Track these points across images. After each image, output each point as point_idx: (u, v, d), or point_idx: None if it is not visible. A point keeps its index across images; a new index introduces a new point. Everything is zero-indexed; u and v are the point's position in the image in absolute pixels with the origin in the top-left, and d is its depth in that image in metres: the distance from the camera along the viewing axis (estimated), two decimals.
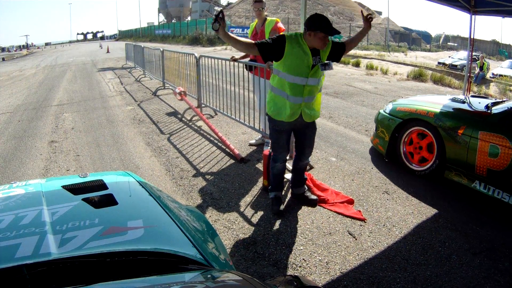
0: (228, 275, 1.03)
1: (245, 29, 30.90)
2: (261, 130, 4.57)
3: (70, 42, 78.81)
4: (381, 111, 4.36)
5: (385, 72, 13.54)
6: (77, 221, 1.25)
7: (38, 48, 65.13)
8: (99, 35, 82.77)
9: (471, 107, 3.65)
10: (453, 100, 4.00)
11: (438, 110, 3.57)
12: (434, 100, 3.99)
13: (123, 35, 65.78)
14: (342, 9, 41.60)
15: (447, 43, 40.86)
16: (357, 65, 15.56)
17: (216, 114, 6.47)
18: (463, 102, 3.86)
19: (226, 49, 25.20)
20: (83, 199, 1.43)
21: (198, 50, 21.92)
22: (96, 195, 1.49)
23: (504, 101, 3.83)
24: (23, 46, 70.77)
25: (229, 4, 54.90)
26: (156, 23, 65.46)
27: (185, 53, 7.41)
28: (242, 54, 4.33)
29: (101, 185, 1.60)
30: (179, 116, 6.59)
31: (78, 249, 1.08)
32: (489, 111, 3.40)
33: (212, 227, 1.62)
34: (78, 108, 7.87)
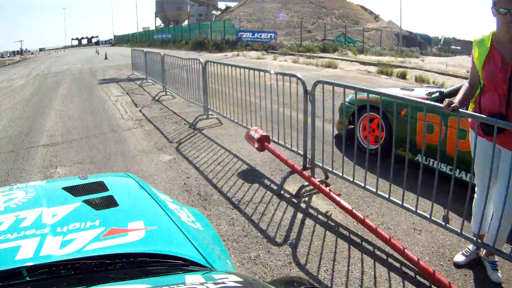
0: (229, 276, 1.00)
1: (257, 33, 28.31)
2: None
3: (65, 47, 76.89)
4: (343, 101, 4.75)
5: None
6: (77, 223, 1.24)
7: (32, 54, 62.15)
8: (93, 40, 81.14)
9: (414, 94, 4.46)
10: (402, 89, 5.13)
11: (386, 98, 3.78)
12: (387, 91, 4.35)
13: (119, 40, 63.79)
14: (347, 13, 39.37)
15: (449, 46, 37.14)
16: (403, 76, 12.29)
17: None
18: (412, 90, 4.84)
19: (238, 55, 22.40)
20: (84, 201, 1.43)
21: (209, 57, 19.44)
22: (97, 196, 1.48)
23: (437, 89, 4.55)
24: (17, 52, 68.93)
25: (227, 8, 53.55)
26: (152, 28, 63.67)
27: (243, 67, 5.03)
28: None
29: (101, 187, 1.59)
30: (272, 178, 3.96)
31: (79, 251, 1.08)
32: (428, 96, 4.16)
33: (213, 228, 1.63)
34: (79, 154, 5.03)
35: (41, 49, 77.87)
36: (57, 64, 25.47)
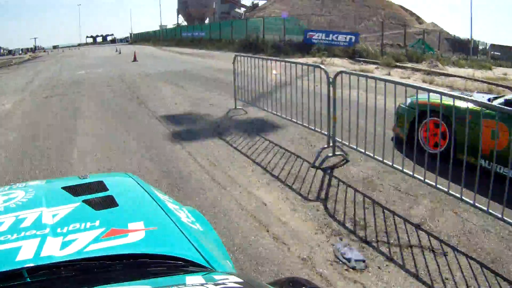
0: (229, 277, 1.00)
1: (332, 34, 20.72)
2: None
3: (79, 45, 74.16)
4: (401, 104, 5.03)
5: None
6: (78, 223, 1.24)
7: (45, 51, 58.99)
8: (108, 38, 79.37)
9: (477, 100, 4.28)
10: (465, 93, 5.47)
11: (450, 103, 4.08)
12: (448, 93, 4.47)
13: (137, 38, 60.57)
14: (392, 13, 34.18)
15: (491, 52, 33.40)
16: None
17: None
18: (470, 96, 4.85)
19: (322, 62, 14.56)
20: (84, 201, 1.43)
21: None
22: (97, 196, 1.48)
23: (503, 96, 4.65)
24: (31, 49, 67.11)
25: (255, 5, 49.68)
26: (169, 26, 59.94)
27: None
28: None
29: (101, 187, 1.59)
30: None
31: (80, 252, 1.08)
32: (490, 102, 4.25)
33: (213, 229, 1.63)
34: None
35: (54, 47, 74.87)
36: (71, 66, 19.98)
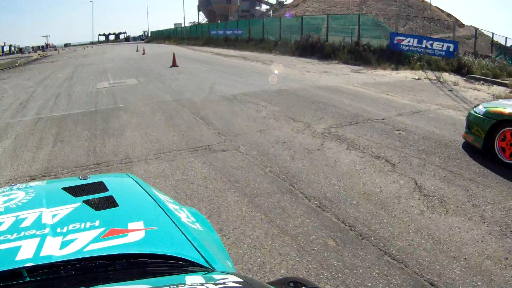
0: (229, 277, 1.00)
1: (426, 41, 15.45)
2: None
3: (92, 43, 72.16)
4: (472, 111, 5.07)
5: None
6: (77, 223, 1.24)
7: (56, 49, 56.14)
8: (121, 36, 77.90)
9: None
10: None
11: None
12: None
13: (155, 36, 58.40)
14: (433, 15, 30.11)
15: None
16: None
17: None
18: None
19: (440, 80, 11.04)
20: (84, 201, 1.43)
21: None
22: (97, 197, 1.48)
23: None
24: (41, 47, 65.89)
25: (281, 3, 46.16)
26: (185, 24, 56.52)
27: None
28: None
29: (101, 187, 1.59)
30: None
31: (79, 252, 1.08)
32: None
33: (213, 229, 1.62)
34: None
35: (66, 45, 72.80)
36: (87, 72, 16.14)
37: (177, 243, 1.22)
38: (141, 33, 73.92)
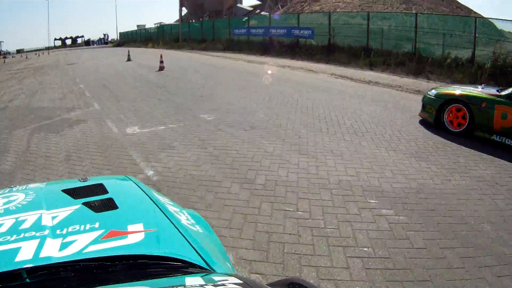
0: (229, 278, 1.00)
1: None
2: None
3: (47, 48, 58.76)
4: (426, 94, 6.81)
5: None
6: (77, 225, 1.25)
7: (5, 57, 39.11)
8: (79, 40, 67.70)
9: (488, 91, 6.03)
10: (475, 87, 6.54)
11: (468, 94, 6.03)
12: (465, 87, 6.52)
13: (126, 39, 47.90)
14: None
15: None
16: None
17: None
18: (483, 88, 6.31)
19: None
20: (83, 203, 1.43)
21: None
22: (96, 199, 1.48)
23: (509, 88, 5.85)
24: None
25: None
26: (168, 22, 48.08)
27: None
28: None
29: (101, 189, 1.59)
30: None
31: (78, 253, 1.08)
32: (499, 93, 5.76)
33: (212, 231, 1.63)
34: None
35: (18, 51, 56.77)
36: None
37: (176, 245, 1.22)
38: (101, 35, 64.68)
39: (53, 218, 1.30)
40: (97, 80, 13.23)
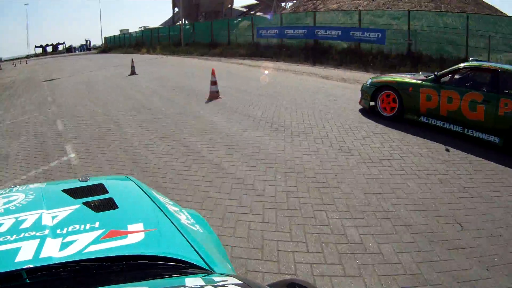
0: (229, 279, 1.00)
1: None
2: None
3: (28, 56, 54.03)
4: (364, 84, 7.32)
5: None
6: (77, 225, 1.24)
7: None
8: (60, 47, 62.16)
9: (415, 78, 6.63)
10: (407, 74, 7.41)
11: (398, 80, 6.69)
12: (396, 75, 7.32)
13: (113, 44, 41.97)
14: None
15: None
16: None
17: None
18: (414, 75, 6.98)
19: None
20: (84, 203, 1.43)
21: None
22: (97, 199, 1.48)
23: (434, 73, 6.40)
24: None
25: None
26: (154, 26, 42.69)
27: None
28: None
29: (101, 189, 1.59)
30: None
31: (79, 253, 1.08)
32: (425, 77, 6.36)
33: (213, 231, 1.63)
34: None
35: None
36: None
37: (176, 245, 1.22)
38: (83, 42, 58.35)
39: (53, 217, 1.30)
40: (105, 135, 6.17)
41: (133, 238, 1.19)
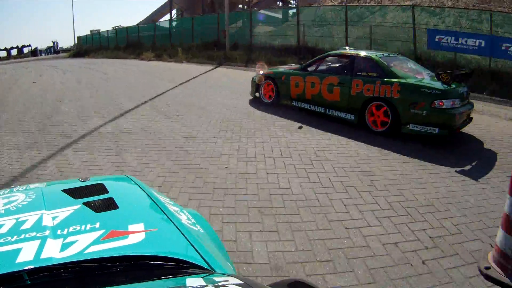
0: (230, 279, 0.99)
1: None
2: None
3: None
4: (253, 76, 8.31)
5: None
6: (78, 225, 1.24)
7: None
8: (25, 49, 53.30)
9: (291, 68, 7.69)
10: (290, 65, 8.70)
11: (275, 71, 7.76)
12: (280, 67, 8.44)
13: (89, 45, 31.97)
14: None
15: None
16: None
17: None
18: (290, 66, 8.38)
19: None
20: (84, 203, 1.43)
21: None
22: (97, 199, 1.48)
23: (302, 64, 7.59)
24: None
25: None
26: (124, 26, 30.84)
27: None
28: None
29: (101, 189, 1.59)
30: None
31: (80, 254, 1.08)
32: (298, 66, 7.45)
33: (214, 231, 1.62)
34: None
35: None
36: None
37: (177, 245, 1.22)
38: (50, 43, 49.74)
39: (54, 218, 1.29)
40: None
41: (134, 238, 1.18)
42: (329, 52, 7.32)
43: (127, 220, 1.32)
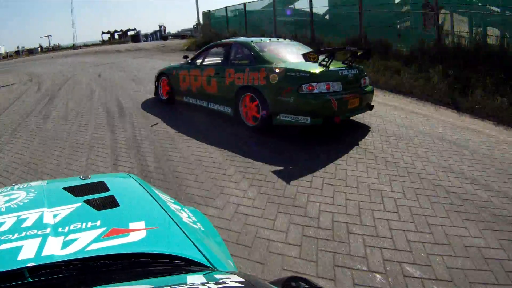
0: (231, 276, 1.00)
1: None
2: None
3: (74, 47, 43.41)
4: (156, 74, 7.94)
5: None
6: (79, 223, 1.24)
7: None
8: (130, 33, 48.57)
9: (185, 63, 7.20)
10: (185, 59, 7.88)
11: (168, 66, 7.53)
12: (174, 64, 7.91)
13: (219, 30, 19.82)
14: None
15: None
16: None
17: None
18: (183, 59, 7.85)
19: None
20: (85, 201, 1.43)
21: None
22: (98, 196, 1.48)
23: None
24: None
25: None
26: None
27: None
28: None
29: (102, 187, 1.59)
30: None
31: (81, 251, 1.08)
32: (189, 62, 6.91)
33: (214, 229, 1.62)
34: None
35: (23, 51, 39.31)
36: None
37: (178, 243, 1.22)
38: (157, 27, 45.83)
39: (55, 216, 1.29)
40: None
41: (135, 236, 1.19)
42: (213, 43, 6.88)
43: (128, 218, 1.32)
